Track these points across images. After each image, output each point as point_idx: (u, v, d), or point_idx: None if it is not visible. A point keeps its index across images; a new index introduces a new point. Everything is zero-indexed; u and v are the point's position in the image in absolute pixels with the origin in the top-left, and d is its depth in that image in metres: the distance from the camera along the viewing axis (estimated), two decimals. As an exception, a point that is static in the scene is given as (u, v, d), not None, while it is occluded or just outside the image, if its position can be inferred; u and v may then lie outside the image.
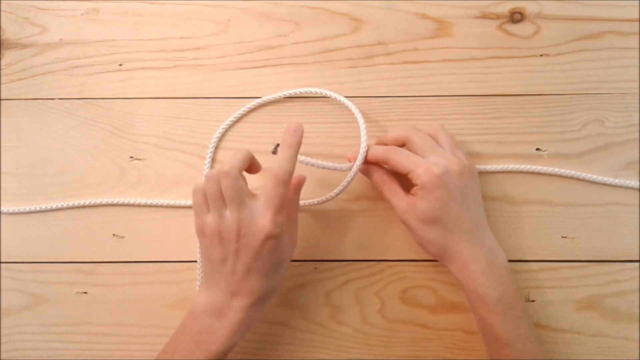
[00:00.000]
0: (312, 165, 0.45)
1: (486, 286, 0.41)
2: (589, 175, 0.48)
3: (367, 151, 0.45)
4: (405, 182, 0.44)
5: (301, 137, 0.42)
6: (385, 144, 0.46)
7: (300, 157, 0.44)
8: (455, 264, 0.42)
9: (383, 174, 0.45)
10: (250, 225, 0.40)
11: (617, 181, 0.48)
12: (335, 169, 0.45)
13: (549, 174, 0.48)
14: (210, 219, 0.41)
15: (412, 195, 0.44)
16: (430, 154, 0.43)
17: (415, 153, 0.43)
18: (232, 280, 0.40)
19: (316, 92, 0.49)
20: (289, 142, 0.41)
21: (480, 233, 0.43)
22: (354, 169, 0.45)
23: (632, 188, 0.48)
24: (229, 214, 0.40)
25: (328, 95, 0.49)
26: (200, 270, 0.47)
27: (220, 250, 0.40)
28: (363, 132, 0.46)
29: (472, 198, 0.43)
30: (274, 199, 0.40)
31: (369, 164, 0.46)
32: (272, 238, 0.40)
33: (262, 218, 0.40)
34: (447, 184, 0.41)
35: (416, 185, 0.42)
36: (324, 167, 0.45)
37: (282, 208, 0.40)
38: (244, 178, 0.42)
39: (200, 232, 0.41)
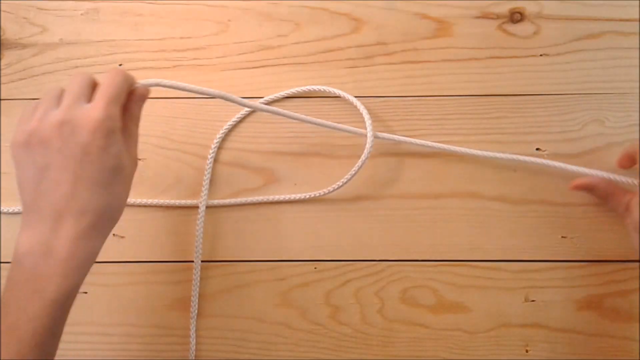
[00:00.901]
0: None
1: None
2: (587, 170, 0.48)
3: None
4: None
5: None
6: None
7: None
8: None
9: (608, 184, 0.46)
10: (77, 116, 0.32)
11: (617, 177, 0.48)
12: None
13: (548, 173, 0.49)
14: (34, 121, 0.33)
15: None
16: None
17: None
18: (57, 198, 0.32)
19: (323, 91, 0.49)
20: (141, 91, 0.37)
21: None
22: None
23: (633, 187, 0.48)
24: (56, 109, 0.33)
25: (337, 94, 0.49)
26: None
27: (39, 156, 0.32)
28: (369, 128, 0.46)
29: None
30: (109, 86, 0.34)
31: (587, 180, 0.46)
32: (103, 130, 0.32)
33: (92, 107, 0.33)
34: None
35: None
36: None
37: (119, 100, 0.34)
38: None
39: (15, 143, 0.33)
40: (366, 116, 0.48)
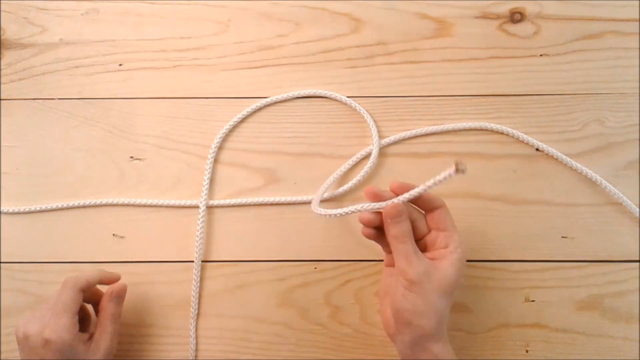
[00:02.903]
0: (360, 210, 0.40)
1: None
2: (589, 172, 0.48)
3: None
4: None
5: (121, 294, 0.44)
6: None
7: (347, 209, 0.39)
8: (436, 345, 0.38)
9: (409, 227, 0.39)
10: (34, 328, 0.40)
11: (611, 188, 0.48)
12: (377, 209, 0.39)
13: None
14: (20, 324, 0.41)
15: (438, 256, 0.39)
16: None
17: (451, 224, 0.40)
18: None
19: (330, 96, 0.50)
20: (103, 275, 0.44)
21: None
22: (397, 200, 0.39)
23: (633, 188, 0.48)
24: (31, 317, 0.41)
25: (344, 101, 0.49)
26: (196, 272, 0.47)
27: (20, 351, 0.41)
28: (375, 138, 0.47)
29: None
30: (56, 303, 0.41)
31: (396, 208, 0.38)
32: (52, 343, 0.39)
33: (44, 322, 0.40)
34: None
35: (441, 248, 0.39)
36: (371, 209, 0.40)
37: (68, 311, 0.41)
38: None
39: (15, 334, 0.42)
40: (372, 126, 0.49)
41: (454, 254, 0.38)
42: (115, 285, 0.44)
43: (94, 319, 0.45)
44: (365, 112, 0.49)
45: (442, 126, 0.49)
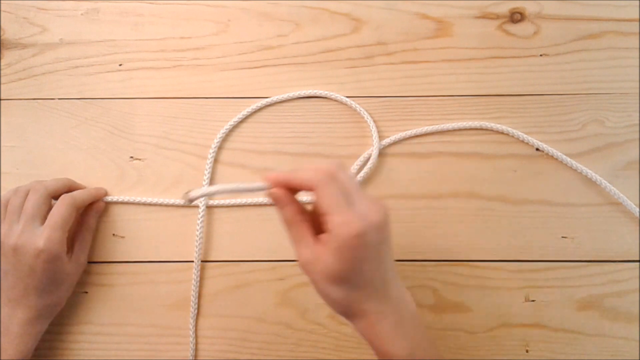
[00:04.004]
0: (227, 191, 0.40)
1: (395, 346, 0.35)
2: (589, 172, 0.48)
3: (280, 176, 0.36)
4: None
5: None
6: (288, 184, 0.36)
7: (215, 187, 0.38)
8: (360, 323, 0.36)
9: (296, 212, 0.36)
10: (27, 239, 0.42)
11: (608, 186, 0.48)
12: (250, 189, 0.37)
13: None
14: (1, 231, 0.43)
15: (321, 243, 0.35)
16: (351, 202, 0.34)
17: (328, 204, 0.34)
18: (12, 295, 0.42)
19: (325, 94, 0.49)
20: (93, 193, 0.47)
21: (388, 287, 0.36)
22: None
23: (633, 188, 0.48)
24: (15, 228, 0.42)
25: (345, 102, 0.49)
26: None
27: (3, 263, 0.42)
28: (375, 139, 0.47)
29: (385, 251, 0.36)
30: (54, 215, 0.43)
31: (284, 191, 0.36)
32: (45, 254, 0.42)
33: (39, 234, 0.42)
34: (365, 244, 0.34)
35: (327, 232, 0.35)
36: (239, 190, 0.39)
37: (65, 226, 0.43)
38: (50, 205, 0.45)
39: None
40: (372, 127, 0.49)
41: (331, 242, 0.34)
42: (101, 202, 0.48)
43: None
44: (365, 112, 0.49)
45: (442, 126, 0.49)
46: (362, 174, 0.48)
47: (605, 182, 0.48)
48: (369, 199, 0.35)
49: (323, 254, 0.35)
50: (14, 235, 0.42)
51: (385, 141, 0.49)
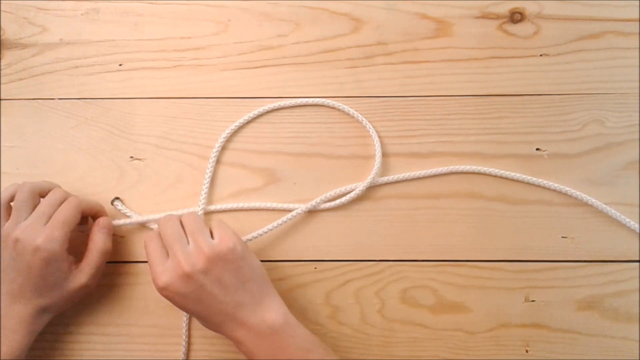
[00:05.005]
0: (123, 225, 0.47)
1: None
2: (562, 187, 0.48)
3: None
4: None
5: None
6: None
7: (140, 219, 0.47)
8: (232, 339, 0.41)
9: (157, 248, 0.42)
10: (28, 235, 0.41)
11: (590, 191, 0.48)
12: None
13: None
14: (4, 228, 0.42)
15: None
16: (170, 252, 0.41)
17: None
18: (12, 288, 0.42)
19: (333, 105, 0.50)
20: (103, 222, 0.46)
21: (242, 312, 0.40)
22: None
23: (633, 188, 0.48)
24: (22, 223, 0.42)
25: (347, 112, 0.49)
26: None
27: (5, 255, 0.42)
28: (378, 153, 0.47)
29: (224, 284, 0.40)
30: (58, 215, 0.42)
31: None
32: (43, 252, 0.41)
33: (40, 231, 0.42)
34: (174, 294, 0.40)
35: None
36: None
37: (67, 226, 0.42)
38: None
39: None
40: (376, 140, 0.49)
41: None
42: (105, 218, 0.46)
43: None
44: (369, 124, 0.49)
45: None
46: (365, 183, 0.48)
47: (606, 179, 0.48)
48: (193, 247, 0.40)
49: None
50: (18, 228, 0.42)
51: (385, 141, 0.49)
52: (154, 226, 0.48)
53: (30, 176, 0.49)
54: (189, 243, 0.41)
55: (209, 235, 0.41)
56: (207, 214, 0.49)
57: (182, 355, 0.47)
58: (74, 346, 0.47)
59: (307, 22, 0.51)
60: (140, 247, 0.48)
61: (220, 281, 0.40)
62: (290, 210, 0.48)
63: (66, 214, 0.43)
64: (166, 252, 0.41)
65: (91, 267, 0.44)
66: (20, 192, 0.43)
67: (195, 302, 0.40)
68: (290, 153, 0.49)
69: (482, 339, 0.47)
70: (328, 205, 0.48)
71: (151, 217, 0.47)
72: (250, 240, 0.47)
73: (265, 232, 0.47)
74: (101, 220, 0.46)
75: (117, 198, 0.48)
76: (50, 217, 0.43)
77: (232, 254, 0.40)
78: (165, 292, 0.40)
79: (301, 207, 0.48)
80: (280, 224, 0.47)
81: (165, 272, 0.40)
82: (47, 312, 0.43)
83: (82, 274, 0.44)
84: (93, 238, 0.45)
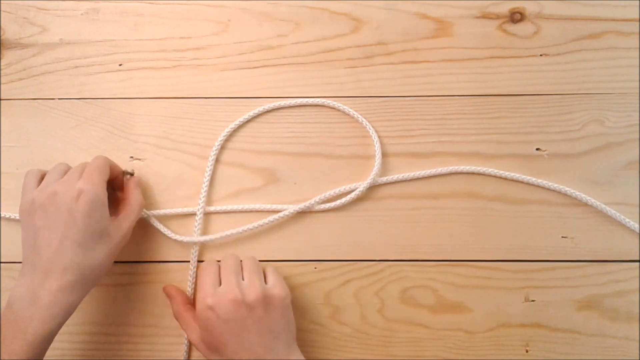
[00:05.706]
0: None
1: None
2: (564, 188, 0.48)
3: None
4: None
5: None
6: None
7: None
8: None
9: (182, 303, 0.45)
10: (66, 187, 0.39)
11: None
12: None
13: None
14: (35, 192, 0.40)
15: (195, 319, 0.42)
16: (224, 280, 0.42)
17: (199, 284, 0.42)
18: (46, 255, 0.38)
19: (334, 105, 0.49)
20: (135, 179, 0.47)
21: (271, 358, 0.40)
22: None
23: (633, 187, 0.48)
24: (55, 182, 0.40)
25: (348, 113, 0.49)
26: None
27: (37, 220, 0.39)
28: (378, 152, 0.48)
29: (265, 325, 0.40)
30: (91, 164, 0.42)
31: (174, 287, 0.46)
32: (85, 197, 0.39)
33: (76, 180, 0.40)
34: (217, 316, 0.40)
35: None
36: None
37: (103, 171, 0.42)
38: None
39: (20, 209, 0.41)
40: (376, 142, 0.49)
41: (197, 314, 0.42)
42: (136, 176, 0.47)
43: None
44: (369, 124, 0.49)
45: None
46: (365, 184, 0.48)
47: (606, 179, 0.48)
48: (247, 282, 0.42)
49: (197, 327, 0.42)
50: (54, 185, 0.40)
51: (385, 141, 0.49)
52: (152, 221, 0.48)
53: (30, 176, 0.49)
54: (243, 279, 0.42)
55: (264, 279, 0.43)
56: (207, 213, 0.48)
57: (184, 355, 0.47)
58: (75, 346, 0.47)
59: (307, 22, 0.51)
60: (141, 246, 0.48)
61: (262, 322, 0.40)
62: (292, 202, 0.48)
63: (98, 164, 0.43)
64: (220, 280, 0.42)
65: (131, 217, 0.44)
66: (56, 168, 0.43)
67: (233, 332, 0.40)
68: (290, 153, 0.49)
69: (482, 339, 0.47)
70: (328, 205, 0.48)
71: (210, 237, 0.48)
72: (241, 233, 0.47)
73: (256, 227, 0.47)
74: (134, 178, 0.47)
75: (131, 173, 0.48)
76: (82, 173, 0.42)
77: (280, 301, 0.41)
78: (209, 312, 0.40)
79: (293, 207, 0.48)
80: (272, 221, 0.47)
81: (216, 294, 0.41)
82: (87, 276, 0.39)
83: (124, 221, 0.43)
84: (131, 191, 0.45)
